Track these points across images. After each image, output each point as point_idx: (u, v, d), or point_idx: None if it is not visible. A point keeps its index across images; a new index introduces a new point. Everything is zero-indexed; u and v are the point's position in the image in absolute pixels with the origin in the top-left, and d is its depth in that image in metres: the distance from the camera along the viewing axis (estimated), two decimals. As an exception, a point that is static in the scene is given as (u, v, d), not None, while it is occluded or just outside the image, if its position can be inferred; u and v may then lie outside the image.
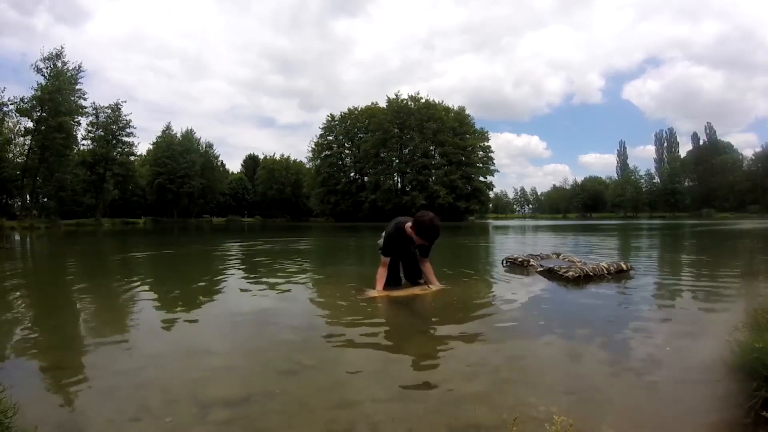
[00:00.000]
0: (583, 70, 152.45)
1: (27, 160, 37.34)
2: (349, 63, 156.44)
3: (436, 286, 3.93)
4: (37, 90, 35.44)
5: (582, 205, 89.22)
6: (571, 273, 4.50)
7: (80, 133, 42.40)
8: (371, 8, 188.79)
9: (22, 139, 38.67)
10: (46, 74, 36.12)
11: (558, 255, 5.79)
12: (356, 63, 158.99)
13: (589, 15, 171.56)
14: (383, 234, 3.94)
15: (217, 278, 5.39)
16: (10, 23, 68.19)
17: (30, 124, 36.53)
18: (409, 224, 3.72)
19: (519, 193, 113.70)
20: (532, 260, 5.40)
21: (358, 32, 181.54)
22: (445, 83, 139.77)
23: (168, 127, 60.09)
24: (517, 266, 5.43)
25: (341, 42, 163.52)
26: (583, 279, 4.45)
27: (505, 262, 5.76)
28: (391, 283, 3.93)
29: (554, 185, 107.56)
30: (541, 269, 4.97)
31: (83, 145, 44.40)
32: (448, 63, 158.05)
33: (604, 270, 4.66)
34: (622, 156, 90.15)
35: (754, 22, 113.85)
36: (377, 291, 3.72)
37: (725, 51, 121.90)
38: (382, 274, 3.81)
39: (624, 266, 4.91)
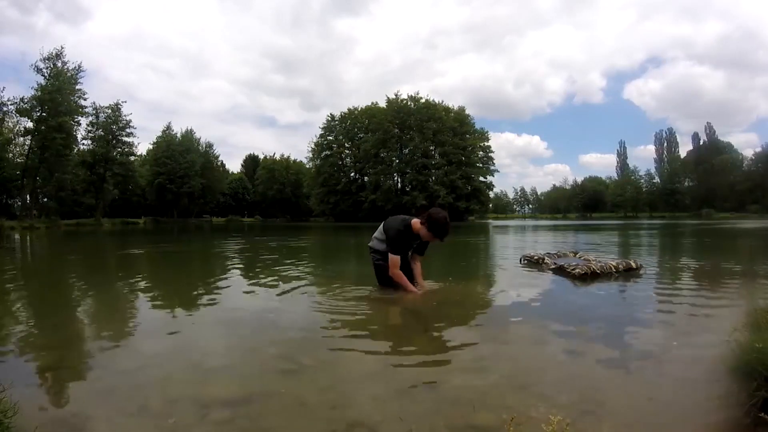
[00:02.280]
0: (585, 70, 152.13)
1: (27, 160, 37.30)
2: (351, 62, 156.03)
3: (422, 285, 3.88)
4: (37, 90, 35.41)
5: (582, 205, 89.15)
6: (577, 270, 4.56)
7: (80, 133, 42.37)
8: (373, 7, 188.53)
9: (22, 139, 38.70)
10: (46, 74, 36.09)
11: (576, 253, 5.88)
12: (358, 62, 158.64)
13: (592, 14, 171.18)
14: (381, 234, 3.81)
15: (217, 278, 5.39)
16: (10, 22, 67.96)
17: (30, 124, 36.54)
18: (417, 221, 3.69)
19: (519, 193, 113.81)
20: (546, 258, 5.49)
21: (360, 31, 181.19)
22: (446, 83, 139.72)
23: (168, 127, 60.09)
24: (534, 263, 5.55)
25: (343, 41, 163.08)
26: (590, 276, 4.49)
27: (522, 259, 5.90)
28: (388, 283, 3.84)
29: (554, 185, 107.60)
30: (554, 266, 5.06)
31: (83, 145, 44.37)
32: (449, 62, 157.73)
33: (613, 268, 4.70)
34: (622, 156, 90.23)
35: (756, 22, 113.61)
36: (415, 290, 3.68)
37: (727, 51, 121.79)
38: (402, 275, 3.69)
39: (633, 264, 4.94)
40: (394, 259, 3.65)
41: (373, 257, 3.93)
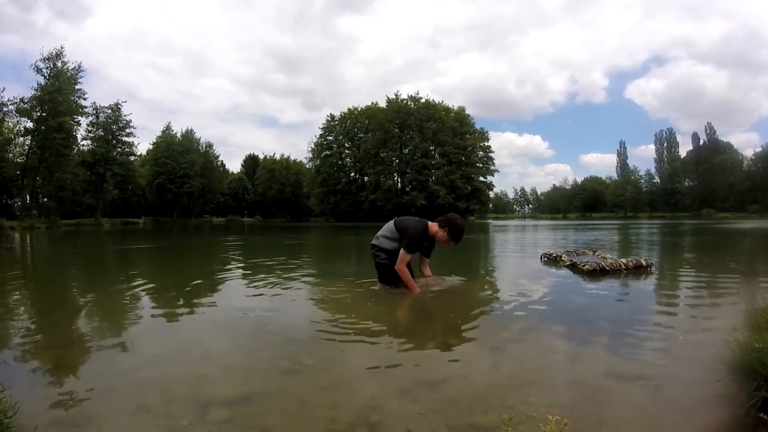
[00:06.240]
0: (587, 69, 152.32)
1: (27, 160, 37.30)
2: (353, 61, 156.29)
3: (430, 285, 3.95)
4: (37, 90, 35.43)
5: (582, 205, 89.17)
6: (587, 267, 4.67)
7: (80, 133, 42.37)
8: (377, 5, 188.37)
9: (22, 139, 38.67)
10: (46, 74, 36.12)
11: (594, 252, 6.00)
12: (360, 61, 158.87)
13: (596, 14, 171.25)
14: (393, 233, 3.89)
15: (217, 277, 5.38)
16: (10, 19, 67.81)
17: (30, 124, 36.56)
18: (434, 224, 3.88)
19: (519, 193, 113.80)
20: (564, 256, 5.62)
21: (363, 30, 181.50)
22: (448, 82, 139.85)
23: (168, 127, 60.23)
24: (552, 261, 5.69)
25: (345, 40, 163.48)
26: (599, 273, 4.57)
27: (543, 257, 6.02)
28: (389, 282, 3.90)
29: (554, 185, 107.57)
30: (568, 263, 5.21)
31: (83, 145, 44.37)
32: (452, 61, 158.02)
33: (622, 265, 4.76)
34: (622, 156, 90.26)
35: (759, 21, 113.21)
36: (417, 289, 3.73)
37: (730, 50, 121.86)
38: (408, 273, 3.77)
39: (644, 262, 5.00)
40: (405, 257, 3.75)
41: (377, 255, 3.96)
